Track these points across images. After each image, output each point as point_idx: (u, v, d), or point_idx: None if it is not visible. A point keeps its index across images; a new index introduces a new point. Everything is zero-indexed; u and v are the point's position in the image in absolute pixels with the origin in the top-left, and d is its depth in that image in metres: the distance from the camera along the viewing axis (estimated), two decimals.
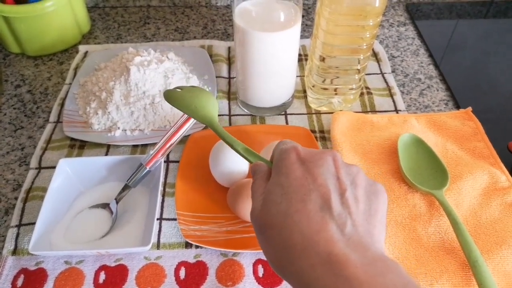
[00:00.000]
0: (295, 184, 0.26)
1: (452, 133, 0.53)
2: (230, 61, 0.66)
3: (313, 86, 0.56)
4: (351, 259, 0.23)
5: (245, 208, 0.43)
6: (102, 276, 0.41)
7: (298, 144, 0.30)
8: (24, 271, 0.41)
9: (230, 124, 0.56)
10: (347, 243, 0.24)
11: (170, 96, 0.41)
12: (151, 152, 0.44)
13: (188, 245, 0.43)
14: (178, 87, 0.43)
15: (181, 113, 0.42)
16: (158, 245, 0.43)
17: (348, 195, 0.26)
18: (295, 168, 0.27)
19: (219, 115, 0.57)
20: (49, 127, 0.55)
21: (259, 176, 0.31)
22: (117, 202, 0.45)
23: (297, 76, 0.62)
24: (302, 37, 0.70)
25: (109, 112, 0.53)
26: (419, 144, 0.50)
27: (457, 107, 0.59)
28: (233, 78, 0.63)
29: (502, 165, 0.49)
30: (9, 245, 0.43)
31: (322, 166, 0.27)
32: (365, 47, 0.50)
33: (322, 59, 0.51)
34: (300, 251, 0.24)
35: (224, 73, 0.63)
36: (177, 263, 0.42)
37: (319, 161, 0.27)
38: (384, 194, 0.28)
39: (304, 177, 0.27)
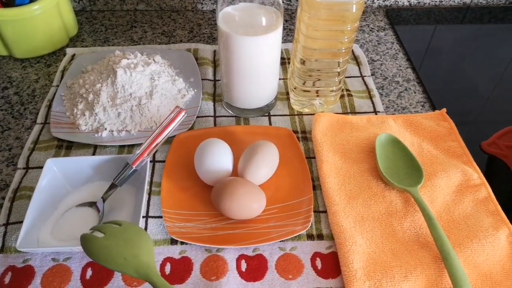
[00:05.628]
0: None
1: (427, 133, 0.56)
2: (215, 64, 0.68)
3: (295, 88, 0.58)
4: None
5: (229, 206, 0.44)
6: (89, 273, 0.42)
7: None
8: (11, 268, 0.42)
9: (215, 125, 0.58)
10: None
11: (89, 246, 0.33)
12: (137, 151, 0.46)
13: (173, 242, 0.45)
14: (98, 228, 0.34)
15: (167, 114, 0.42)
16: None
17: None
18: None
19: (204, 116, 0.58)
20: (36, 128, 0.56)
21: None
22: (104, 201, 0.46)
23: (280, 79, 0.64)
24: (285, 41, 0.73)
25: (96, 114, 0.54)
26: (396, 143, 0.52)
27: (433, 108, 0.61)
28: (218, 80, 0.64)
29: (474, 163, 0.52)
30: None
31: None
32: (344, 50, 0.52)
33: (303, 62, 0.53)
34: None
35: (210, 75, 0.65)
36: (162, 259, 0.43)
37: None
38: None
39: None
